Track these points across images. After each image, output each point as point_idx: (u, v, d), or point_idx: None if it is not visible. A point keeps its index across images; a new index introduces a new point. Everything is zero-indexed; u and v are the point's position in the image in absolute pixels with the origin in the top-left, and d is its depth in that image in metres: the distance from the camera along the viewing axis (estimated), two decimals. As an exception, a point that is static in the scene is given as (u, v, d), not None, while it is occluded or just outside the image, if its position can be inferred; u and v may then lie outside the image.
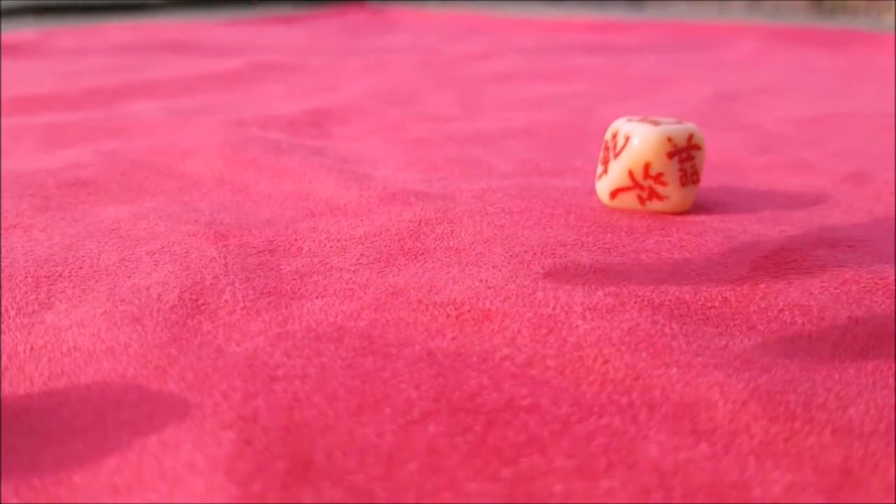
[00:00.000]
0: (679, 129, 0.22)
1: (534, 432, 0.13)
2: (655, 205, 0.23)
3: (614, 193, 0.23)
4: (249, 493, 0.11)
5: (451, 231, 0.21)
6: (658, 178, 0.22)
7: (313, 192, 0.25)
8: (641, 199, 0.23)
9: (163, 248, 0.20)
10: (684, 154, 0.22)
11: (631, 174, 0.22)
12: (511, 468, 0.12)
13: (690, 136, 0.22)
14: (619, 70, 0.52)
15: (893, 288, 0.18)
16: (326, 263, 0.19)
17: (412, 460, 0.12)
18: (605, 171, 0.23)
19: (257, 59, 0.54)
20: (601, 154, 0.24)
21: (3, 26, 0.78)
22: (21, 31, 0.73)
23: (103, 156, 0.28)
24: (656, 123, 0.23)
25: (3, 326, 0.16)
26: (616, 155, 0.23)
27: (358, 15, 0.96)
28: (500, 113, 0.39)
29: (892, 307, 0.17)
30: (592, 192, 0.25)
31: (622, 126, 0.23)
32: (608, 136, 0.23)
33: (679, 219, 0.22)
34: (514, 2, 1.14)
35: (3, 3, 0.92)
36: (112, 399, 0.14)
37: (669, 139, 0.22)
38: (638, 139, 0.22)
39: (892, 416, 0.13)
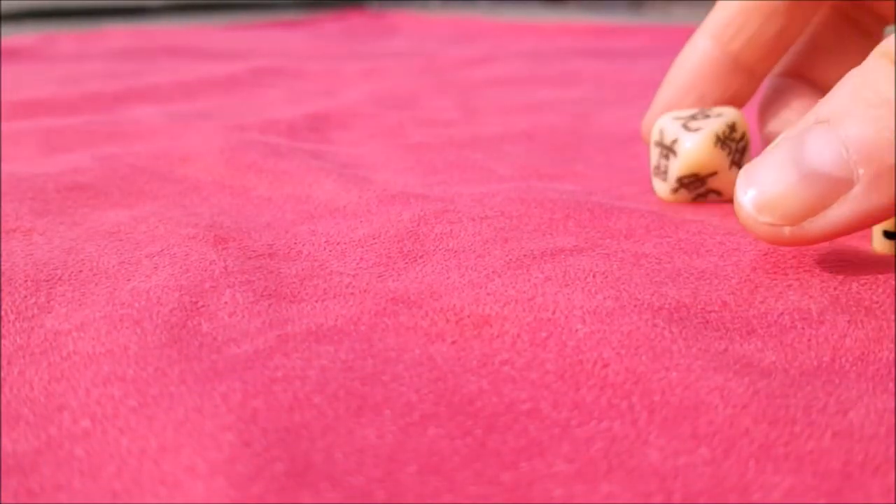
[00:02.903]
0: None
1: (533, 436, 0.13)
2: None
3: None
4: (248, 495, 0.11)
5: (451, 231, 0.21)
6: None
7: (313, 196, 0.25)
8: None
9: (162, 251, 0.20)
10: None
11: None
12: (511, 472, 0.12)
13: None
14: (619, 74, 0.53)
15: (893, 290, 0.18)
16: (326, 268, 0.19)
17: (412, 463, 0.12)
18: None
19: (257, 64, 0.54)
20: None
21: (3, 31, 0.78)
22: (21, 36, 0.73)
23: (103, 160, 0.28)
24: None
25: (2, 330, 0.16)
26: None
27: (358, 19, 0.96)
28: (500, 117, 0.39)
29: (892, 310, 0.17)
30: (591, 195, 0.25)
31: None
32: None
33: (678, 221, 0.22)
34: (514, 6, 1.14)
35: (2, 7, 0.92)
36: (111, 403, 0.14)
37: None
38: None
39: (892, 420, 0.13)
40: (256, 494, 0.11)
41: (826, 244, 0.21)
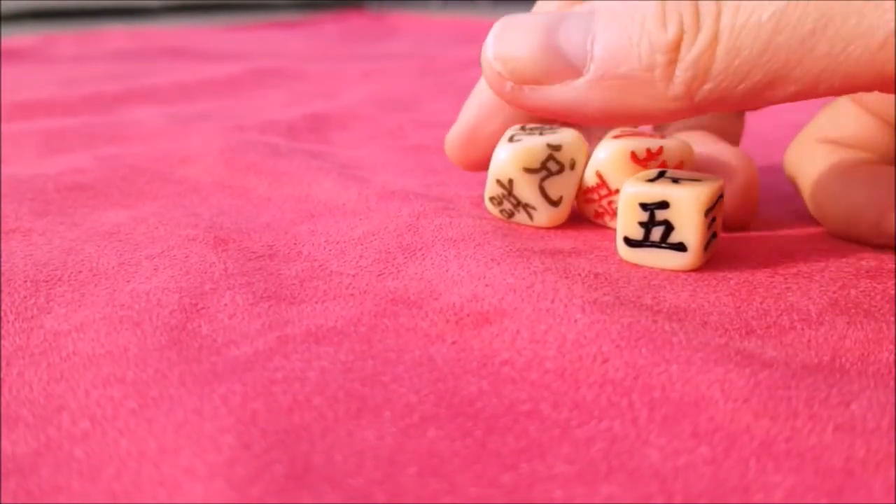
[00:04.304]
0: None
1: (534, 437, 0.13)
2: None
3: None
4: (247, 497, 0.11)
5: (450, 223, 0.21)
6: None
7: (312, 195, 0.25)
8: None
9: (162, 252, 0.20)
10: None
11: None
12: (511, 473, 0.12)
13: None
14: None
15: (892, 293, 0.18)
16: (326, 268, 0.19)
17: (412, 464, 0.12)
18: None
19: (257, 65, 0.54)
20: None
21: (3, 31, 0.78)
22: (21, 37, 0.73)
23: (103, 161, 0.28)
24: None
25: (2, 331, 0.16)
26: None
27: (357, 21, 0.96)
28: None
29: (892, 312, 0.17)
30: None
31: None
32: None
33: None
34: (514, 7, 1.14)
35: (2, 7, 0.92)
36: (111, 404, 0.14)
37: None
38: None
39: (894, 413, 0.13)
40: (256, 496, 0.11)
41: (825, 248, 0.21)
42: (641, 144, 0.20)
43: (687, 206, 0.18)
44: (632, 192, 0.19)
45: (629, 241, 0.19)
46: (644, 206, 0.19)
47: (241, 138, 0.31)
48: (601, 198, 0.21)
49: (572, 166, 0.21)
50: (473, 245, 0.19)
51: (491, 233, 0.20)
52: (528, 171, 0.21)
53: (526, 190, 0.21)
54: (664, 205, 0.18)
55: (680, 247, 0.19)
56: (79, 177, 0.27)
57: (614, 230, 0.20)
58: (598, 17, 0.16)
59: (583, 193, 0.21)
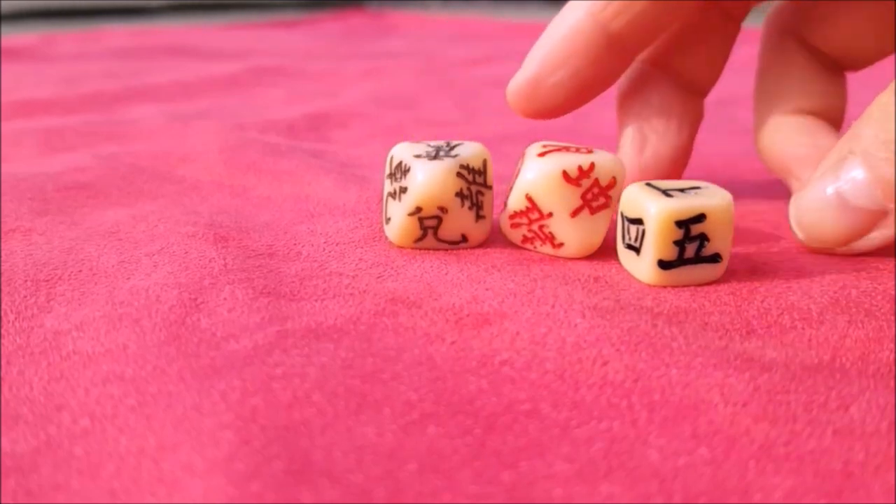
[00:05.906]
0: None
1: (533, 436, 0.13)
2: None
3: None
4: (247, 493, 0.11)
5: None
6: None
7: (312, 195, 0.25)
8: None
9: (162, 249, 0.20)
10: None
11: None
12: (511, 472, 0.12)
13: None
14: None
15: (892, 293, 0.18)
16: (325, 268, 0.19)
17: (412, 461, 0.12)
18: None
19: (257, 64, 0.54)
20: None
21: (3, 30, 0.78)
22: (21, 36, 0.73)
23: (103, 160, 0.28)
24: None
25: (2, 330, 0.16)
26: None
27: (357, 19, 0.96)
28: (500, 117, 0.39)
29: (892, 311, 0.17)
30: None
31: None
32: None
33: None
34: (514, 6, 1.14)
35: (2, 6, 0.92)
36: (110, 402, 0.14)
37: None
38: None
39: (893, 417, 0.13)
40: (255, 493, 0.11)
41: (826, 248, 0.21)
42: (572, 162, 0.19)
43: (723, 214, 0.18)
44: (665, 211, 0.17)
45: (664, 264, 0.18)
46: (679, 224, 0.18)
47: (241, 137, 0.31)
48: (531, 222, 0.19)
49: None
50: (474, 255, 0.20)
51: (491, 237, 0.20)
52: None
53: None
54: (700, 218, 0.18)
55: (714, 258, 0.18)
56: (79, 175, 0.27)
57: (544, 254, 0.20)
58: (867, 162, 0.18)
59: (509, 217, 0.20)
